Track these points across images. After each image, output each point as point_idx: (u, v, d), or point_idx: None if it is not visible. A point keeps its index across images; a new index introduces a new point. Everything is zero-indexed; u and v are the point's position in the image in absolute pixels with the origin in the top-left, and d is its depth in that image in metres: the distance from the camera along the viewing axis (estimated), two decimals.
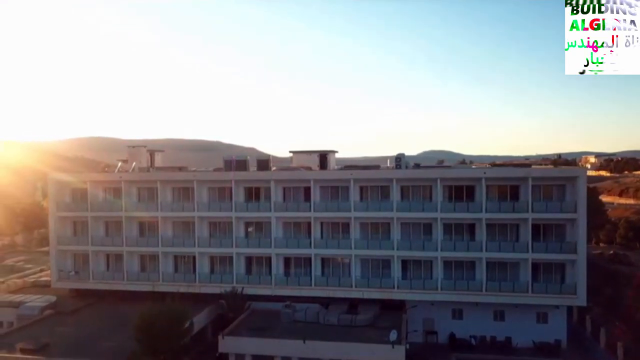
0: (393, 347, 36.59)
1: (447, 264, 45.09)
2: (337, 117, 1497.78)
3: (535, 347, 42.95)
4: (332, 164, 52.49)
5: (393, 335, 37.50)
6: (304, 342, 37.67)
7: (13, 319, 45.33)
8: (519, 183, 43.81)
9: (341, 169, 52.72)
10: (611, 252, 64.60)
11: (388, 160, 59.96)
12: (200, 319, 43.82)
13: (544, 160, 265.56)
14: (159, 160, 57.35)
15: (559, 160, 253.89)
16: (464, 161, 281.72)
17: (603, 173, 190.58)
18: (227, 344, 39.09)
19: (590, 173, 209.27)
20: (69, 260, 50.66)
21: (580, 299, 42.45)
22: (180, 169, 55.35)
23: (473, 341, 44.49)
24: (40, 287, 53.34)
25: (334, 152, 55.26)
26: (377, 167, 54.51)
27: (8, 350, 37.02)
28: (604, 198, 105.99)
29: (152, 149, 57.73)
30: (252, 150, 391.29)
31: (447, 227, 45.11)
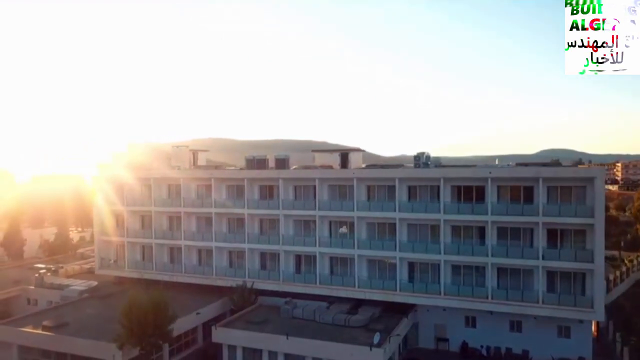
0: (371, 349, 35.83)
1: (455, 268, 42.91)
2: (452, 116, 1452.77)
3: None
4: (355, 163, 51.95)
5: (376, 338, 36.79)
6: (287, 339, 38.23)
7: (59, 299, 51.23)
8: (534, 184, 40.33)
9: (365, 168, 52.02)
10: None
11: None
12: (210, 310, 46.29)
13: None
14: (202, 159, 60.89)
15: None
16: (580, 161, 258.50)
17: None
18: (219, 334, 40.82)
19: None
20: (111, 250, 55.74)
21: (598, 314, 38.13)
22: (216, 167, 58.23)
23: (484, 351, 42.03)
24: (93, 273, 59.14)
25: (359, 150, 54.88)
26: (400, 166, 52.91)
27: (34, 326, 42.04)
28: None
29: (195, 148, 61.48)
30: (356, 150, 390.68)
31: (456, 230, 42.88)
